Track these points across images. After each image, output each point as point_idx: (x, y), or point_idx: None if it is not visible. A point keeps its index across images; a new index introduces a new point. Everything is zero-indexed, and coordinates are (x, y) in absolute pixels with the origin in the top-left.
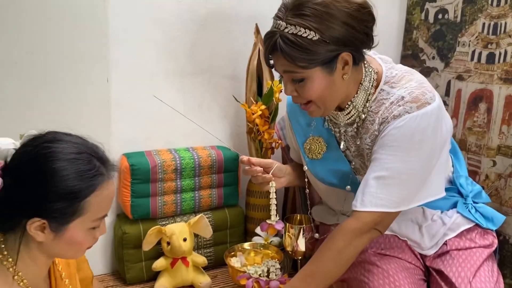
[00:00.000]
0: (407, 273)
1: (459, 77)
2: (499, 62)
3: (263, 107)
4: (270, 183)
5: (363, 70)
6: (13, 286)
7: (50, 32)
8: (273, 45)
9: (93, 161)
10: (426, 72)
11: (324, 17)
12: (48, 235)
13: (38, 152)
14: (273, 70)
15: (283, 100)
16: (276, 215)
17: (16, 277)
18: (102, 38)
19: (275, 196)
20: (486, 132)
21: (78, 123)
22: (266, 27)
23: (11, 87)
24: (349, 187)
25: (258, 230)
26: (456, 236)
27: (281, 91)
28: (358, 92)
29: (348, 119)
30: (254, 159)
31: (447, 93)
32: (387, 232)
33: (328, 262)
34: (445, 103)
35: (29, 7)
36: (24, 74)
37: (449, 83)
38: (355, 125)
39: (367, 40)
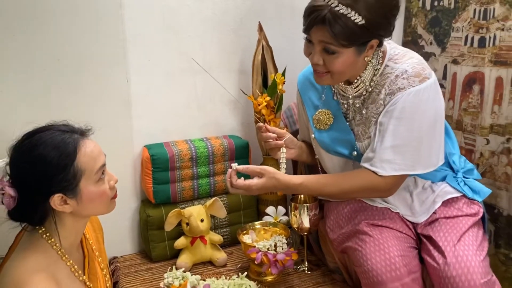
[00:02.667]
0: (397, 241)
1: (454, 61)
2: (489, 45)
3: (267, 98)
4: (281, 149)
5: (371, 56)
6: (53, 253)
7: (74, 40)
8: (322, 19)
9: (63, 134)
10: (425, 57)
11: (374, 5)
12: (71, 203)
13: (21, 152)
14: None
15: (287, 91)
16: None
17: (54, 247)
18: (120, 43)
19: (285, 161)
20: (480, 112)
21: (102, 120)
22: (268, 24)
23: (41, 90)
24: (355, 152)
25: (268, 210)
26: (445, 206)
27: (284, 83)
28: (367, 68)
29: (356, 92)
30: (270, 127)
31: (444, 76)
32: (380, 205)
33: (339, 190)
34: (442, 86)
35: (55, 20)
36: (52, 78)
37: (445, 67)
38: (362, 97)
39: (391, 31)
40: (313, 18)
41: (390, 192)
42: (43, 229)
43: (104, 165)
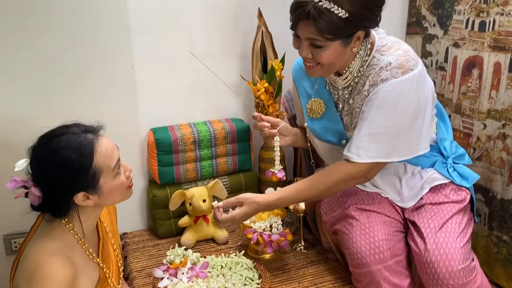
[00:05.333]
0: (384, 225)
1: (455, 44)
2: (489, 30)
3: (266, 84)
4: (275, 138)
5: (359, 48)
6: (70, 237)
7: (81, 31)
8: (306, 14)
9: (79, 135)
10: (428, 39)
11: None
12: (93, 198)
13: (42, 157)
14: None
15: (286, 76)
16: (280, 165)
17: (71, 231)
18: (125, 31)
19: (278, 149)
20: (478, 97)
21: (109, 105)
22: (268, 8)
23: (52, 78)
24: (344, 141)
25: (267, 191)
26: (432, 192)
27: (282, 69)
28: (355, 59)
29: (345, 83)
30: (264, 116)
31: (446, 59)
32: (370, 190)
33: (318, 191)
34: (443, 69)
35: (63, 13)
36: (62, 67)
37: (447, 49)
38: (350, 88)
39: (378, 22)
40: (298, 14)
41: (367, 178)
42: (70, 224)
43: (119, 159)
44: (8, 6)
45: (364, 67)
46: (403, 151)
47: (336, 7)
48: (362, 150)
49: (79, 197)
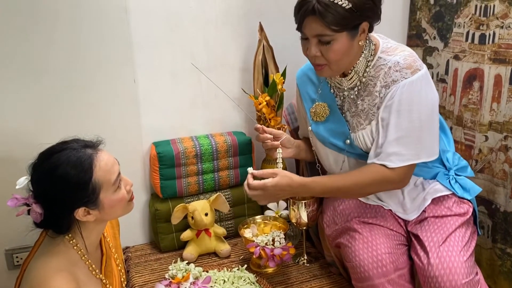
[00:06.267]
0: (386, 238)
1: (456, 57)
2: (489, 43)
3: (267, 98)
4: (277, 150)
5: (365, 41)
6: (74, 254)
7: (83, 44)
8: (311, 10)
9: (78, 151)
10: (429, 51)
11: None
12: (94, 213)
13: (42, 173)
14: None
15: (288, 89)
16: None
17: (75, 248)
18: (127, 45)
19: (281, 161)
20: (479, 109)
21: (112, 119)
22: (269, 21)
23: (56, 92)
24: (348, 141)
25: (269, 204)
26: (435, 205)
27: (283, 83)
28: (360, 59)
29: (350, 84)
30: (267, 128)
31: (446, 71)
32: (373, 203)
33: (352, 184)
34: (444, 81)
35: (66, 27)
36: (64, 81)
37: (447, 62)
38: (356, 88)
39: (379, 13)
40: (303, 12)
41: (403, 183)
42: (74, 240)
43: (119, 174)
44: (12, 20)
45: (370, 67)
46: (430, 150)
47: None
48: (393, 155)
49: (80, 213)
